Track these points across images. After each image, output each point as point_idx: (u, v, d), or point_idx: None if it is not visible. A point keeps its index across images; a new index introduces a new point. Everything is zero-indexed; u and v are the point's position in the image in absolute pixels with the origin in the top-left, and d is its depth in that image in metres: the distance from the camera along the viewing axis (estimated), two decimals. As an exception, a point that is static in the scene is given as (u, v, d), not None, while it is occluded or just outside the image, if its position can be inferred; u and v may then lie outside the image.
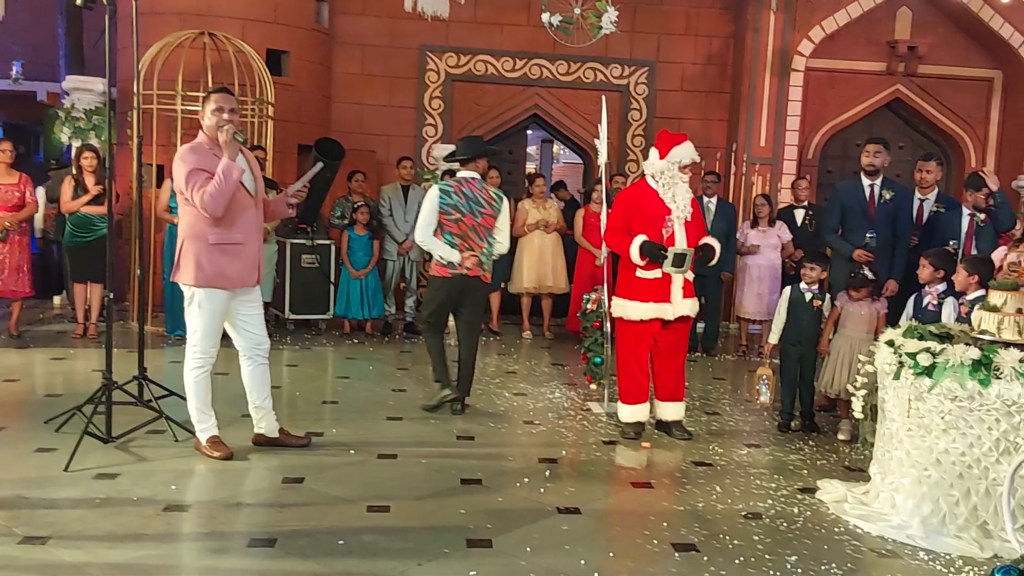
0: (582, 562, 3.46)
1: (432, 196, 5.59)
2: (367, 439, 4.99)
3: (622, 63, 10.17)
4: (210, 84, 8.19)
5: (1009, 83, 10.09)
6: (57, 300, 9.49)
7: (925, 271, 5.35)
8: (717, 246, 5.35)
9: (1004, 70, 10.07)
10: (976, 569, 3.58)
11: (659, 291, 5.16)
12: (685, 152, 5.20)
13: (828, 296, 5.68)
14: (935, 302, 5.31)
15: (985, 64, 10.10)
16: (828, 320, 5.61)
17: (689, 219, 5.21)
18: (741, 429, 5.64)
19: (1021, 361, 3.75)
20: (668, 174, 5.19)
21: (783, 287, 7.38)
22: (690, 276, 5.26)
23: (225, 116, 4.39)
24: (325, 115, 9.90)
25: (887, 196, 6.37)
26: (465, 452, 4.87)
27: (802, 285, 5.66)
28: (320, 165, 5.10)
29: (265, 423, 4.76)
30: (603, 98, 6.18)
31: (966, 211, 6.25)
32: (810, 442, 5.38)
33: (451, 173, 8.76)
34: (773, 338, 5.74)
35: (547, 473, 4.54)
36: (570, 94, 10.18)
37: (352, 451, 4.76)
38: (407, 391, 6.25)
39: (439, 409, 5.68)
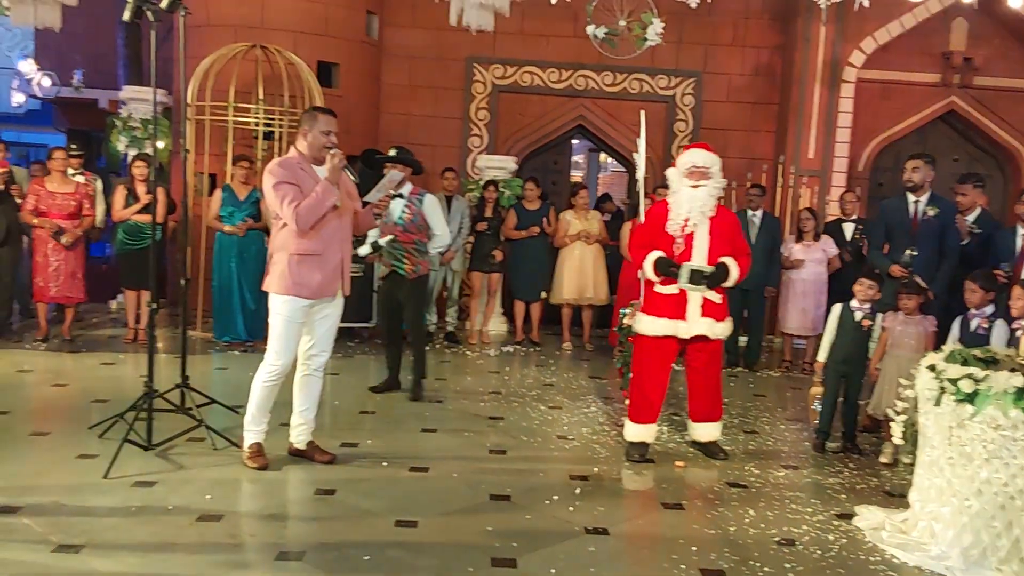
0: (606, 586, 3.44)
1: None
2: (401, 451, 5.02)
3: (668, 74, 10.10)
4: (261, 95, 8.38)
5: (1070, 94, 9.78)
6: (114, 304, 9.72)
7: (976, 295, 5.18)
8: (733, 268, 5.03)
9: (1067, 81, 9.77)
10: (1016, 605, 3.47)
11: (674, 307, 5.03)
12: (685, 158, 5.08)
13: (880, 316, 5.53)
14: (985, 325, 5.16)
15: (1044, 75, 9.81)
16: (879, 344, 5.47)
17: (712, 233, 5.02)
18: (779, 449, 5.54)
19: (1066, 390, 3.62)
20: (675, 182, 5.12)
21: (828, 302, 7.26)
22: (714, 297, 5.06)
23: (333, 139, 4.57)
24: (373, 126, 10.01)
25: (931, 213, 6.20)
26: (496, 467, 4.87)
27: (853, 303, 5.52)
28: (398, 175, 5.32)
29: (296, 433, 4.82)
30: (642, 113, 6.13)
31: (1020, 230, 6.08)
32: (851, 464, 5.26)
33: (494, 183, 8.82)
34: (822, 356, 5.60)
35: (577, 491, 4.51)
36: (616, 105, 10.13)
37: (385, 463, 4.79)
38: (443, 402, 6.28)
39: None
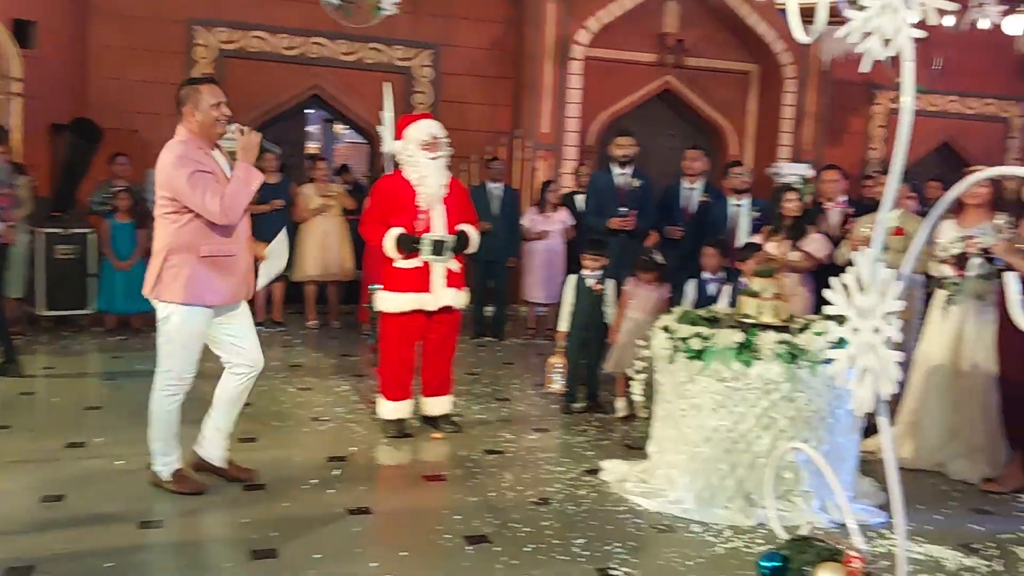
0: (373, 565, 3.39)
1: None
2: (138, 447, 4.54)
3: (406, 45, 10.04)
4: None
5: (765, 76, 10.93)
6: None
7: (713, 260, 5.72)
8: (473, 233, 5.14)
9: (760, 64, 10.89)
10: (742, 536, 3.84)
11: (418, 281, 4.98)
12: (422, 129, 5.01)
13: (613, 281, 5.87)
14: (718, 288, 5.72)
15: (744, 58, 10.87)
16: (619, 308, 5.81)
17: (446, 203, 5.03)
18: (530, 414, 5.75)
19: (777, 343, 4.05)
20: (407, 155, 5.02)
21: (567, 271, 7.64)
22: (455, 266, 5.09)
23: (227, 111, 3.93)
24: (82, 91, 9.06)
25: (636, 184, 6.96)
26: (247, 456, 4.59)
27: (584, 272, 5.82)
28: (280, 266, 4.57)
29: (213, 447, 4.23)
30: (388, 85, 6.05)
31: (732, 201, 6.76)
32: (594, 422, 5.56)
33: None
34: (563, 325, 5.85)
35: (336, 472, 4.40)
36: (353, 75, 9.92)
37: (121, 461, 4.39)
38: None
39: None
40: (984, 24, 9.76)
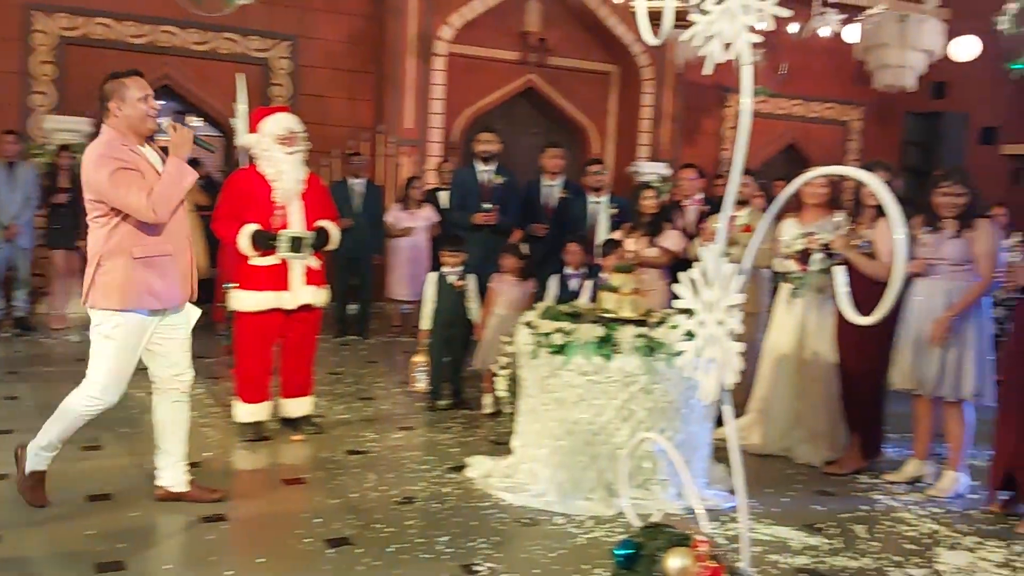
0: (228, 573, 3.27)
1: None
2: (-32, 460, 4.29)
3: (262, 35, 9.72)
4: None
5: (624, 77, 11.20)
6: None
7: (577, 256, 5.81)
8: (333, 230, 5.02)
9: (620, 65, 11.16)
10: (603, 526, 3.93)
11: (275, 279, 4.84)
12: (278, 123, 4.87)
13: (475, 276, 5.88)
14: (580, 283, 5.83)
15: (604, 59, 11.10)
16: (486, 304, 5.82)
17: (304, 199, 4.90)
18: (395, 412, 5.69)
19: (636, 336, 4.16)
20: (263, 149, 4.87)
21: (432, 268, 7.63)
22: (314, 263, 4.96)
23: (156, 105, 3.66)
24: (-97, 77, 8.33)
25: (499, 180, 7.02)
26: (93, 465, 4.37)
27: (444, 269, 5.81)
28: None
29: (170, 474, 3.92)
30: (242, 76, 5.85)
31: (591, 198, 6.91)
32: (459, 420, 5.56)
33: (68, 148, 7.86)
34: (425, 324, 5.83)
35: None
36: (206, 65, 9.52)
37: (-50, 476, 4.08)
38: (20, 398, 5.50)
39: None
40: (825, 32, 10.35)
